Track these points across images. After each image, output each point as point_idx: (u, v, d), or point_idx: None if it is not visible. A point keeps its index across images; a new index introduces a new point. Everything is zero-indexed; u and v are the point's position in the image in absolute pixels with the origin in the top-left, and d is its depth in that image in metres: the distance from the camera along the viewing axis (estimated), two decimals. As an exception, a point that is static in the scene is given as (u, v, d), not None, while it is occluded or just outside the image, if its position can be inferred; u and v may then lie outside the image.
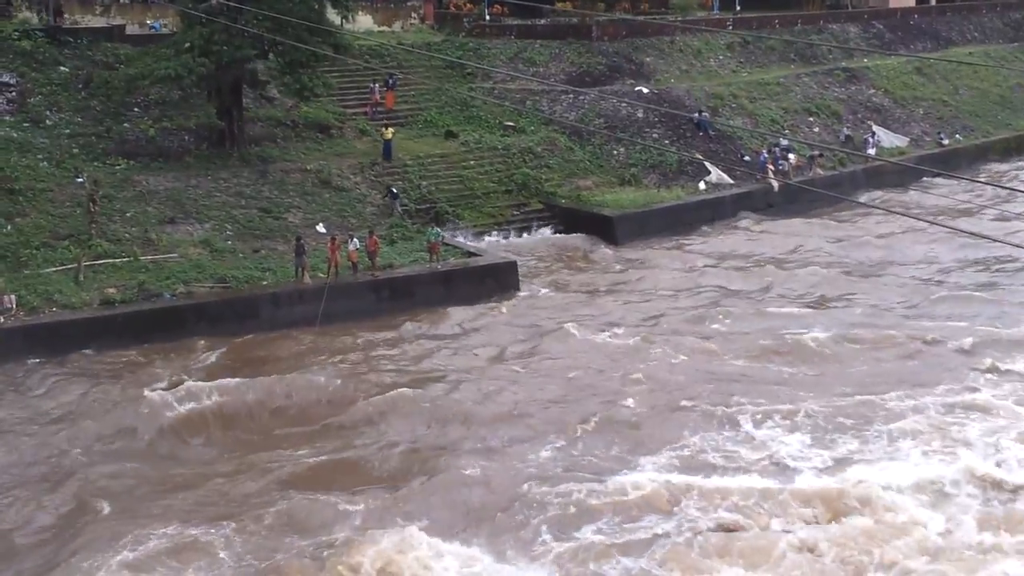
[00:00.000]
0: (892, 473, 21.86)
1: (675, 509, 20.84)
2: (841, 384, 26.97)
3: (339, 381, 27.23)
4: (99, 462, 23.21)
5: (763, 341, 29.99)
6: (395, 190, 40.17)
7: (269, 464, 23.00)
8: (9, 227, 33.41)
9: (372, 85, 47.12)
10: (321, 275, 33.14)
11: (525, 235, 41.93)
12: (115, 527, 20.09)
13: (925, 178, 50.26)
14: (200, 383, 26.52)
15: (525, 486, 21.55)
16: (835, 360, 28.72)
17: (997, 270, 37.28)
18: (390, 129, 43.05)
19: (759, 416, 24.84)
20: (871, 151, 50.53)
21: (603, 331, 30.96)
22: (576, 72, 51.43)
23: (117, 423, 24.89)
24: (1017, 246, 24.44)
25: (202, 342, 30.10)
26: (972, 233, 30.75)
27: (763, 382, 27.14)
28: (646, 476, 22.02)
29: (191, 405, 25.59)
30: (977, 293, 34.56)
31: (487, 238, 40.89)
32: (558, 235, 42.05)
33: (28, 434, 24.49)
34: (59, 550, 19.57)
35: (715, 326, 31.65)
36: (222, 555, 19.22)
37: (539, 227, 42.34)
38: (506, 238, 41.40)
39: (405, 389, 26.49)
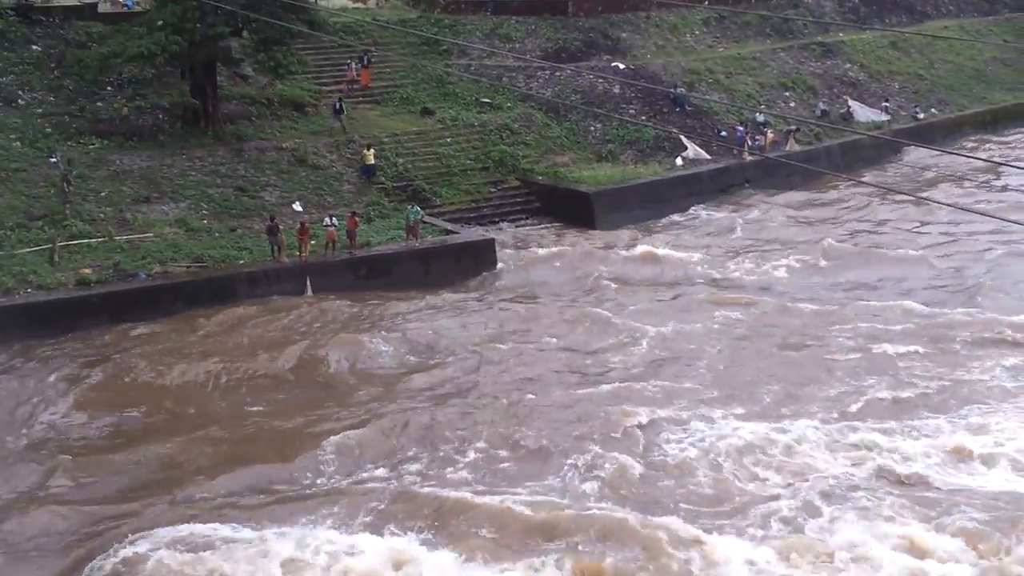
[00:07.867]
0: None
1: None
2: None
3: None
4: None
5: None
6: (339, 105, 41.64)
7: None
8: (-18, 208, 33.19)
9: (349, 63, 46.73)
10: (297, 254, 33.04)
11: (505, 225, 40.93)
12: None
13: (903, 152, 50.43)
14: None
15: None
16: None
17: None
18: (371, 150, 40.21)
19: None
20: (885, 118, 52.52)
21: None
22: (552, 48, 51.25)
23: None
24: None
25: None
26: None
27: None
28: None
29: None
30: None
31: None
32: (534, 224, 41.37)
33: None
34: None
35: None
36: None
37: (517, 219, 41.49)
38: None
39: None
